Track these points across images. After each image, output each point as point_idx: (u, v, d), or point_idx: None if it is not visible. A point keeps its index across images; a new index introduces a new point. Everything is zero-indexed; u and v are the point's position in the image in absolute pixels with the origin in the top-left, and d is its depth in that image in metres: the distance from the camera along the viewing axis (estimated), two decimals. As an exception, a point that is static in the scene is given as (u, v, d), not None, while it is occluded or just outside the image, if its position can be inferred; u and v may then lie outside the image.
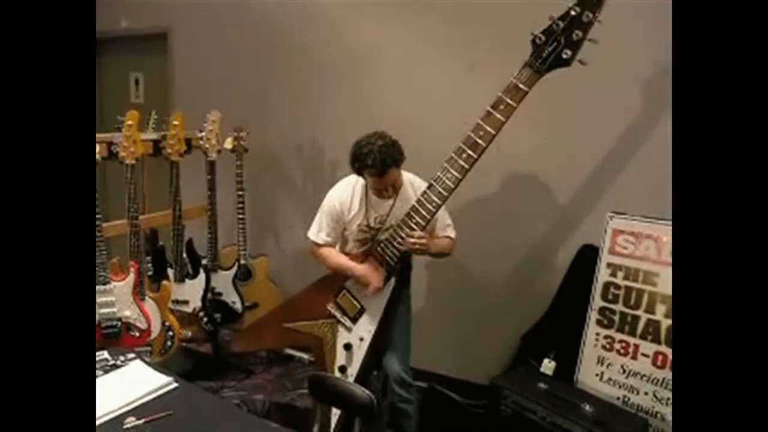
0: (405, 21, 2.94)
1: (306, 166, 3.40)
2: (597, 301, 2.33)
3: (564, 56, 1.74)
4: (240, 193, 3.14)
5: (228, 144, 3.11)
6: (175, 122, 2.83)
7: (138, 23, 4.00)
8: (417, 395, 2.31)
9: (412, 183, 2.22)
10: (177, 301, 2.94)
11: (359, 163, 2.03)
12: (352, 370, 2.21)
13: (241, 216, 3.17)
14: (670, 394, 2.12)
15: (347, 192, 2.26)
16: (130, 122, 2.54)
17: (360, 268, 2.19)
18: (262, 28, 3.43)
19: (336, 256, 2.29)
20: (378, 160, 1.98)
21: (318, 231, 2.30)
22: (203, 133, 2.99)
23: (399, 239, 2.07)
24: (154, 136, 2.98)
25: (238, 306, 3.17)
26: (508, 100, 1.82)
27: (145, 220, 2.86)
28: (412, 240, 2.02)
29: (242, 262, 3.22)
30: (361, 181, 2.22)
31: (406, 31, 2.94)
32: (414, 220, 2.02)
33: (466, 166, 1.90)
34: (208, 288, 3.01)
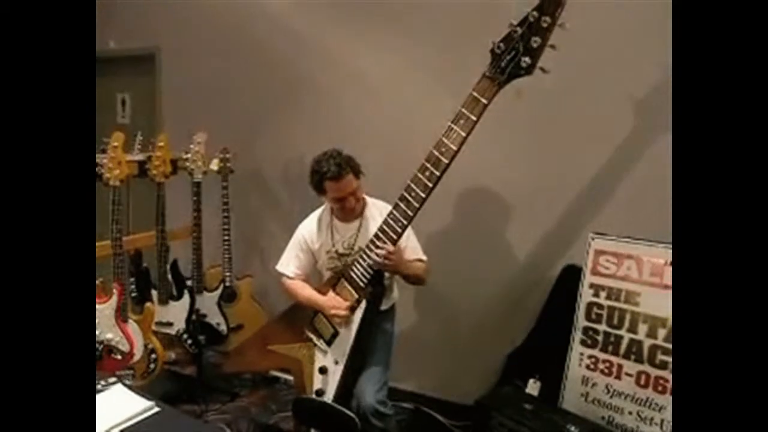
0: (392, 44, 2.98)
1: (292, 186, 3.40)
2: (581, 321, 2.35)
3: (523, 65, 1.63)
4: (225, 214, 3.13)
5: (214, 165, 3.11)
6: (161, 143, 2.83)
7: (125, 44, 4.01)
8: (396, 418, 2.24)
9: (377, 207, 2.24)
10: (161, 323, 2.90)
11: (317, 175, 2.12)
12: (329, 394, 2.18)
13: (226, 237, 3.16)
14: (653, 414, 2.14)
15: (313, 221, 2.33)
16: (115, 143, 2.53)
17: (324, 300, 2.19)
18: (249, 49, 3.45)
19: (302, 289, 2.30)
20: (333, 164, 2.08)
21: (286, 264, 2.35)
22: (189, 155, 2.99)
23: (368, 259, 2.04)
24: (139, 157, 2.98)
25: (223, 327, 3.14)
26: (468, 114, 1.76)
27: (129, 241, 2.84)
28: (383, 253, 1.97)
29: (227, 283, 3.20)
30: (326, 209, 2.29)
31: (393, 54, 2.98)
32: (381, 241, 1.99)
33: (430, 184, 1.83)
34: (192, 310, 2.98)
